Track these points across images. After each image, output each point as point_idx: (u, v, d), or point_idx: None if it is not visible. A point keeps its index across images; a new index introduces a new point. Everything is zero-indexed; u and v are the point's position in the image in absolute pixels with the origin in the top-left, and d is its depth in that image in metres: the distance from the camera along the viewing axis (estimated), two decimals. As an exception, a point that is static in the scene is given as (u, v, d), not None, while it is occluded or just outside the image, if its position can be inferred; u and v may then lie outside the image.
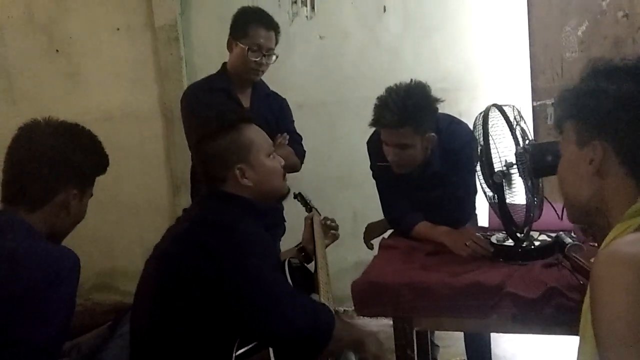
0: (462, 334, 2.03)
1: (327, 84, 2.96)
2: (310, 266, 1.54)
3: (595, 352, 0.76)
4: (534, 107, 2.57)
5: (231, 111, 1.34)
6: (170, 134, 3.18)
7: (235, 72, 1.97)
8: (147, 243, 3.47)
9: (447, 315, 1.31)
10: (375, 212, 2.36)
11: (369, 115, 2.77)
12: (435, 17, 2.80)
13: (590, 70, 0.86)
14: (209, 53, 3.00)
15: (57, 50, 3.27)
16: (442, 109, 1.71)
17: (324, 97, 2.96)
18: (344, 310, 2.77)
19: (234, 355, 1.05)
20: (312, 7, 2.91)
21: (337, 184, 2.97)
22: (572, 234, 1.51)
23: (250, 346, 1.06)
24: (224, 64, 2.04)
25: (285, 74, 2.75)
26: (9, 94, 3.36)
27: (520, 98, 2.62)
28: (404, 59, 2.83)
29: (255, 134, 1.28)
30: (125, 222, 3.31)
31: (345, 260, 2.82)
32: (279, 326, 1.07)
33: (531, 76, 2.56)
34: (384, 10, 2.86)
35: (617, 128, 0.81)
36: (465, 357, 2.03)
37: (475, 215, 1.96)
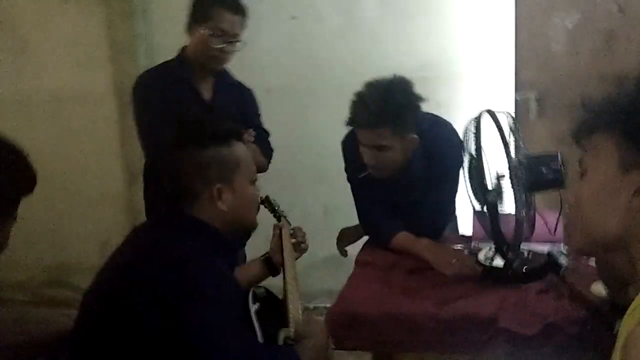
0: None
1: (299, 69, 2.73)
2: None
3: None
4: (516, 101, 2.44)
5: (224, 122, 1.18)
6: (125, 119, 2.91)
7: (195, 59, 1.76)
8: (101, 236, 3.21)
9: (433, 351, 1.17)
10: (347, 207, 2.21)
11: (343, 104, 2.54)
12: (415, 1, 2.62)
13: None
14: (172, 31, 2.72)
15: (-1, 22, 2.94)
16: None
17: (295, 83, 2.74)
18: (314, 307, 2.64)
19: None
20: (284, -15, 2.69)
21: (308, 177, 2.80)
22: (563, 248, 1.41)
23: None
24: (183, 48, 1.81)
25: (252, 56, 2.52)
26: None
27: (502, 90, 2.50)
28: (381, 45, 2.64)
29: (245, 155, 1.15)
30: (76, 213, 3.05)
31: (316, 256, 2.67)
32: None
33: (515, 67, 2.43)
34: (360, -8, 2.67)
35: None
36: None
37: (455, 217, 1.85)
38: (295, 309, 1.21)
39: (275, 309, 1.23)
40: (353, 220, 1.97)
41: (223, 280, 1.01)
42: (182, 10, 2.76)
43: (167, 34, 2.74)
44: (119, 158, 2.98)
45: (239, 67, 1.95)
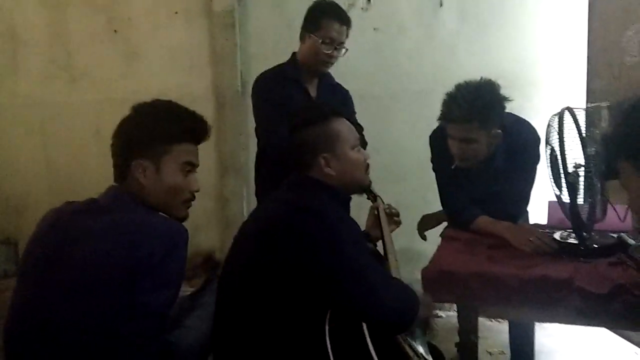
0: (501, 327, 2.09)
1: (380, 76, 3.00)
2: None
3: None
4: (587, 109, 2.58)
5: (324, 104, 1.43)
6: (221, 118, 3.27)
7: (305, 63, 2.05)
8: (195, 222, 3.54)
9: (514, 306, 1.38)
10: (419, 203, 2.41)
11: (419, 109, 2.75)
12: (491, 14, 2.83)
13: (632, 109, 0.96)
14: (264, 41, 3.08)
15: (115, 31, 3.38)
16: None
17: (376, 90, 3.00)
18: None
19: (326, 327, 1.13)
20: (368, -1, 2.96)
21: (383, 175, 3.00)
22: (631, 236, 1.57)
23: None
24: (294, 54, 2.11)
25: (338, 64, 2.82)
26: (69, 72, 3.49)
27: (574, 99, 2.65)
28: (458, 55, 2.86)
29: (343, 127, 1.36)
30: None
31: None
32: (374, 309, 1.14)
33: (587, 77, 2.58)
34: (441, 5, 2.90)
35: None
36: (505, 350, 2.10)
37: (527, 211, 2.02)
38: (394, 264, 1.46)
39: (380, 262, 1.47)
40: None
41: (353, 224, 1.26)
42: (273, 24, 3.11)
43: (260, 44, 3.10)
44: (213, 153, 3.32)
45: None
